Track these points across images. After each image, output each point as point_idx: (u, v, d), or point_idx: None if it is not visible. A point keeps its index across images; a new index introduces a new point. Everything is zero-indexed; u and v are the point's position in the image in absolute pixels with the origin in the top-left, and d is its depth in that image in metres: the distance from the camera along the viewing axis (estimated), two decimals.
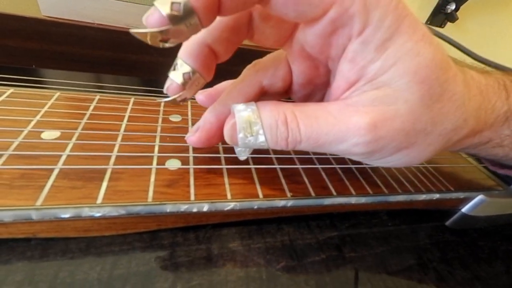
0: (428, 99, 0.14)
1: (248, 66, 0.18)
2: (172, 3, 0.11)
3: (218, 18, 0.13)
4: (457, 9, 0.72)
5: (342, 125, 0.14)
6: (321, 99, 0.19)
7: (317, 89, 0.18)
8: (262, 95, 0.18)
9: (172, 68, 0.15)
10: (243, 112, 0.15)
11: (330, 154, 0.22)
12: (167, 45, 0.12)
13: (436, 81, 0.13)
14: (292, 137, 0.15)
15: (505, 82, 0.18)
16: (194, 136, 0.18)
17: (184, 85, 0.15)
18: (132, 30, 0.12)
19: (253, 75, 0.18)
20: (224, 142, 0.20)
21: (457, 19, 0.73)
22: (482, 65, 0.20)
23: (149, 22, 0.11)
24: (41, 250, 0.14)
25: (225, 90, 0.18)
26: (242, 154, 0.17)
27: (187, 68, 0.15)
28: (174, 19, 0.11)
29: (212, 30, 0.15)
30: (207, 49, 0.15)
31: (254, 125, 0.15)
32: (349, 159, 0.22)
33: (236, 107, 0.15)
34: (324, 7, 0.12)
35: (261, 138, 0.15)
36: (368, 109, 0.14)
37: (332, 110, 0.14)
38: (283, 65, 0.18)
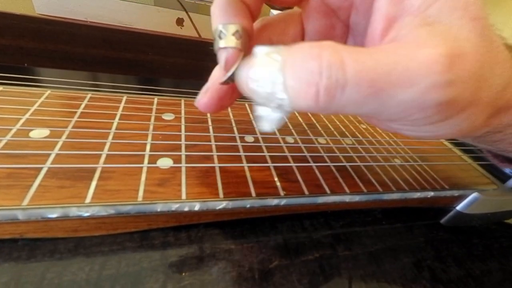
0: (486, 40, 0.11)
1: (255, 22, 0.16)
2: (233, 33, 0.13)
3: None
4: None
5: (408, 60, 0.10)
6: None
7: None
8: None
9: (217, 37, 0.13)
10: (264, 49, 0.11)
11: (325, 152, 0.22)
12: None
13: (486, 20, 0.11)
14: (331, 78, 0.10)
15: None
16: (205, 98, 0.15)
17: (240, 45, 0.13)
18: (220, 81, 0.14)
19: (261, 29, 0.16)
20: (217, 140, 0.20)
21: None
22: None
23: (229, 62, 0.13)
24: (28, 250, 0.14)
25: None
26: (265, 123, 0.13)
27: (234, 27, 0.13)
28: (242, 44, 0.13)
29: None
30: (239, 2, 0.14)
31: (272, 63, 0.11)
32: (343, 156, 0.22)
33: (256, 46, 0.12)
34: None
35: (279, 84, 0.10)
36: (435, 41, 0.10)
37: (388, 48, 0.11)
38: (295, 24, 0.16)
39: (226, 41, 0.13)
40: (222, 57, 0.13)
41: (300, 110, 0.11)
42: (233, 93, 0.15)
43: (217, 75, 0.15)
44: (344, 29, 0.16)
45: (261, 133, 0.22)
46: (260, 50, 0.11)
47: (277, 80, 0.10)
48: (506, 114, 0.14)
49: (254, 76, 0.11)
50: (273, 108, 0.12)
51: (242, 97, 0.15)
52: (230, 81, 0.13)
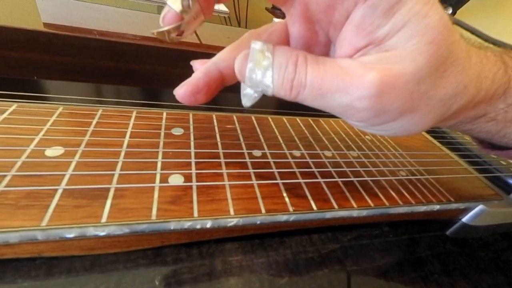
0: (435, 60, 0.14)
1: (244, 34, 0.19)
2: (182, 0, 0.14)
3: None
4: (454, 13, 0.72)
5: (347, 75, 0.14)
6: None
7: None
8: None
9: None
10: (258, 45, 0.15)
11: (332, 166, 0.22)
12: (180, 39, 0.15)
13: (444, 42, 0.13)
14: (298, 79, 0.14)
15: (502, 55, 0.18)
16: (181, 89, 0.17)
17: (182, 14, 0.14)
18: (153, 30, 0.14)
19: (246, 39, 0.18)
20: (226, 157, 0.21)
21: (454, 23, 0.73)
22: (479, 41, 0.20)
23: (166, 20, 0.14)
24: (46, 269, 0.14)
25: (218, 54, 0.18)
26: (246, 99, 0.17)
27: None
28: (185, 13, 0.14)
29: None
30: None
31: (265, 59, 0.15)
32: (350, 171, 0.22)
33: (253, 41, 0.15)
34: None
35: (268, 75, 0.15)
36: (375, 66, 0.14)
37: (341, 62, 0.14)
38: (278, 32, 0.18)
39: (174, 2, 0.14)
40: (164, 11, 0.15)
41: (277, 96, 0.15)
42: (207, 90, 0.18)
43: (197, 73, 0.18)
44: (326, 38, 0.17)
45: (269, 148, 0.23)
46: (255, 46, 0.15)
47: (267, 72, 0.15)
48: (470, 111, 0.18)
49: (250, 66, 0.15)
50: (256, 90, 0.16)
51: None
52: (160, 37, 0.15)
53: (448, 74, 0.14)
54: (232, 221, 0.16)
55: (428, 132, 0.34)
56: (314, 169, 0.22)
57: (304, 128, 0.27)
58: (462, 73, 0.15)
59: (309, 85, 0.14)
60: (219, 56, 0.18)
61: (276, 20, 0.71)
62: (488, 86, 0.17)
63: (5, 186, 0.15)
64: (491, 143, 0.23)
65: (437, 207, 0.22)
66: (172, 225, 0.15)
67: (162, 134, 0.21)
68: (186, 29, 0.15)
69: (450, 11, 0.72)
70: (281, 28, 0.18)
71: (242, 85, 0.17)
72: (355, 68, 0.14)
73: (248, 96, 0.17)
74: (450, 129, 0.21)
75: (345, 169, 0.23)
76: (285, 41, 0.18)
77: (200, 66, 0.19)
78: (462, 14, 0.74)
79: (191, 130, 0.23)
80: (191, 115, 0.24)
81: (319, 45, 0.17)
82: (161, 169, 0.18)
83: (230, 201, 0.17)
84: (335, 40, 0.16)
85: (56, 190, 0.15)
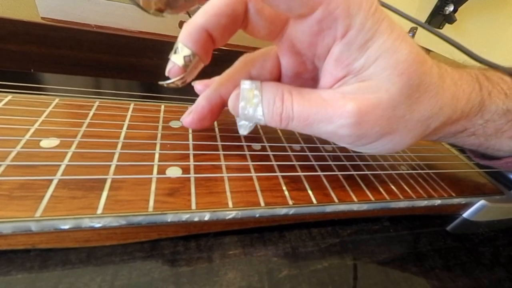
0: (407, 88, 0.15)
1: (240, 58, 0.20)
2: (184, 56, 0.16)
3: (216, 6, 0.16)
4: (455, 10, 0.72)
5: (330, 107, 0.16)
6: None
7: (305, 83, 0.19)
8: None
9: (173, 51, 0.16)
10: (247, 85, 0.17)
11: (332, 160, 0.22)
12: (184, 84, 0.17)
13: (414, 73, 0.15)
14: (286, 113, 0.16)
15: (477, 75, 0.20)
16: (188, 118, 0.20)
17: (185, 67, 0.16)
18: (161, 82, 0.17)
19: (242, 65, 0.20)
20: (225, 149, 0.20)
21: (455, 20, 0.73)
22: (458, 61, 0.22)
23: (172, 74, 0.16)
24: (41, 261, 0.14)
25: (217, 79, 0.20)
26: (243, 129, 0.19)
27: (187, 52, 0.16)
28: (187, 66, 0.16)
29: (211, 17, 0.16)
30: (205, 34, 0.16)
31: (254, 97, 0.17)
32: (350, 165, 0.22)
33: (242, 81, 0.17)
34: (312, 5, 0.14)
35: (259, 111, 0.17)
36: (353, 96, 0.15)
37: (323, 94, 0.16)
38: (271, 59, 0.19)
39: (177, 58, 0.16)
40: (169, 66, 0.16)
41: (270, 125, 0.17)
42: (211, 116, 0.20)
43: (200, 101, 0.20)
44: (314, 66, 0.18)
45: (268, 141, 0.22)
46: (244, 85, 0.17)
47: (257, 108, 0.17)
48: (450, 127, 0.19)
49: (242, 105, 0.17)
50: (250, 121, 0.18)
51: None
52: (170, 85, 0.17)
53: (423, 100, 0.16)
54: (230, 214, 0.16)
55: None
56: (314, 163, 0.21)
57: None
58: (436, 96, 0.16)
59: (296, 117, 0.16)
60: (219, 82, 0.20)
61: None
62: (463, 105, 0.18)
63: None
64: (481, 153, 0.24)
65: (438, 202, 0.21)
66: (170, 217, 0.15)
67: (160, 126, 0.21)
68: (188, 77, 0.17)
69: (452, 8, 0.72)
70: (274, 55, 0.19)
71: (237, 118, 0.19)
72: (336, 99, 0.16)
73: (244, 127, 0.19)
74: (435, 141, 0.23)
75: (345, 162, 0.22)
76: (278, 68, 0.19)
77: (201, 88, 0.21)
78: (464, 11, 0.73)
79: None
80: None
81: (308, 72, 0.19)
82: (159, 161, 0.18)
83: (228, 193, 0.17)
84: (320, 69, 0.17)
85: (51, 181, 0.15)
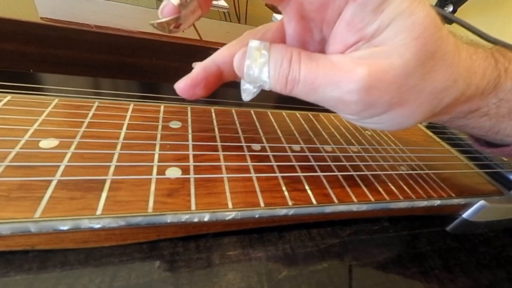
0: (422, 54, 0.14)
1: (242, 35, 0.20)
2: None
3: None
4: (454, 11, 0.72)
5: (338, 70, 0.15)
6: None
7: None
8: None
9: None
10: (255, 43, 0.16)
11: (332, 160, 0.22)
12: (178, 31, 0.16)
13: (431, 37, 0.14)
14: (292, 75, 0.15)
15: (493, 51, 0.19)
16: (180, 83, 0.18)
17: (180, 7, 0.15)
18: (151, 21, 0.15)
19: (244, 38, 0.19)
20: (224, 150, 0.20)
21: (453, 23, 0.73)
22: (471, 38, 0.20)
23: (164, 12, 0.15)
24: (40, 262, 0.14)
25: (216, 51, 0.19)
26: (246, 94, 0.18)
27: None
28: (182, 7, 0.15)
29: None
30: None
31: (262, 56, 0.16)
32: (350, 165, 0.22)
33: (251, 40, 0.16)
34: None
35: (265, 72, 0.16)
36: (364, 61, 0.14)
37: (333, 58, 0.15)
38: (272, 32, 0.19)
39: None
40: (162, 4, 0.15)
41: (274, 90, 0.16)
42: (205, 85, 0.19)
43: (196, 68, 0.19)
44: (320, 35, 0.17)
45: (268, 142, 0.22)
46: (252, 44, 0.16)
47: (263, 69, 0.16)
48: (463, 106, 0.18)
49: (248, 63, 0.16)
50: (254, 86, 0.17)
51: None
52: (160, 28, 0.16)
53: (437, 69, 0.15)
54: (230, 215, 0.16)
55: (428, 127, 0.34)
56: (313, 163, 0.21)
57: (303, 122, 0.27)
58: (451, 67, 0.15)
59: (302, 80, 0.15)
60: (218, 53, 0.19)
61: (276, 15, 0.71)
62: (479, 81, 0.17)
63: None
64: (486, 141, 0.23)
65: (437, 202, 0.21)
66: (169, 218, 0.15)
67: (160, 127, 0.21)
68: (183, 22, 0.16)
69: (451, 8, 0.72)
70: (277, 28, 0.19)
71: (242, 81, 0.18)
72: (346, 63, 0.15)
73: (247, 91, 0.18)
74: (445, 124, 0.22)
75: (345, 163, 0.22)
76: (281, 40, 0.18)
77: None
78: (463, 11, 0.73)
79: (189, 123, 0.22)
80: (189, 109, 0.24)
81: (314, 42, 0.18)
82: (158, 162, 0.18)
83: (228, 194, 0.17)
84: (328, 37, 0.16)
85: (50, 181, 0.15)
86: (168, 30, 0.16)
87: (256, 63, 0.16)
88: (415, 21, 0.14)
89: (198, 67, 0.19)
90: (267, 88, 0.16)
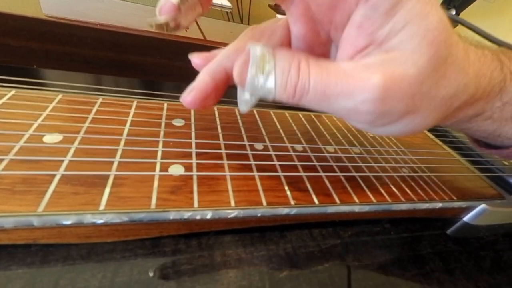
0: (435, 60, 0.14)
1: (246, 30, 0.18)
2: None
3: None
4: (457, 15, 0.72)
5: (351, 79, 0.14)
6: None
7: None
8: None
9: None
10: (259, 49, 0.14)
11: (334, 161, 0.22)
12: (177, 30, 0.15)
13: (444, 43, 0.14)
14: (301, 84, 0.14)
15: (498, 54, 0.18)
16: (189, 96, 0.17)
17: (179, 5, 0.14)
18: (149, 19, 0.14)
19: (249, 36, 0.18)
20: (227, 148, 0.20)
21: (457, 25, 0.73)
22: (477, 40, 0.20)
23: (163, 11, 0.14)
24: (42, 256, 0.14)
25: (220, 52, 0.18)
26: (244, 104, 0.16)
27: None
28: (182, 4, 0.14)
29: None
30: None
31: (267, 63, 0.14)
32: (352, 166, 0.22)
33: (252, 44, 0.15)
34: None
35: (271, 81, 0.14)
36: (377, 68, 0.14)
37: (344, 65, 0.14)
38: (280, 30, 0.18)
39: None
40: (161, 2, 0.15)
41: (280, 101, 0.15)
42: (216, 94, 0.17)
43: (202, 76, 0.17)
44: (327, 38, 0.17)
45: (270, 141, 0.22)
46: (255, 51, 0.14)
47: (269, 77, 0.14)
48: (469, 109, 0.18)
49: (252, 72, 0.14)
50: (256, 96, 0.15)
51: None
52: (158, 29, 0.15)
53: (449, 74, 0.14)
54: (232, 213, 0.16)
55: (429, 130, 0.34)
56: (316, 163, 0.21)
57: (306, 123, 0.27)
58: (462, 72, 0.15)
59: (312, 89, 0.14)
60: (224, 54, 0.18)
61: (279, 16, 0.71)
62: (486, 84, 0.17)
63: (2, 170, 0.14)
64: (486, 142, 0.23)
65: (439, 205, 0.21)
66: (172, 215, 0.15)
67: (163, 124, 0.21)
68: (183, 21, 0.15)
69: (454, 13, 0.72)
70: (283, 26, 0.18)
71: (240, 91, 0.16)
72: (359, 71, 0.14)
73: (246, 102, 0.16)
74: (448, 127, 0.22)
75: (347, 164, 0.22)
76: (288, 39, 0.18)
77: (200, 62, 0.19)
78: (466, 16, 0.74)
79: (192, 121, 0.22)
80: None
81: (320, 45, 0.17)
82: (161, 159, 0.18)
83: (231, 192, 0.17)
84: (336, 41, 0.16)
85: (53, 176, 0.15)
86: (166, 29, 0.15)
87: (261, 71, 0.14)
88: (429, 26, 0.13)
89: (206, 76, 0.17)
90: (271, 98, 0.15)
